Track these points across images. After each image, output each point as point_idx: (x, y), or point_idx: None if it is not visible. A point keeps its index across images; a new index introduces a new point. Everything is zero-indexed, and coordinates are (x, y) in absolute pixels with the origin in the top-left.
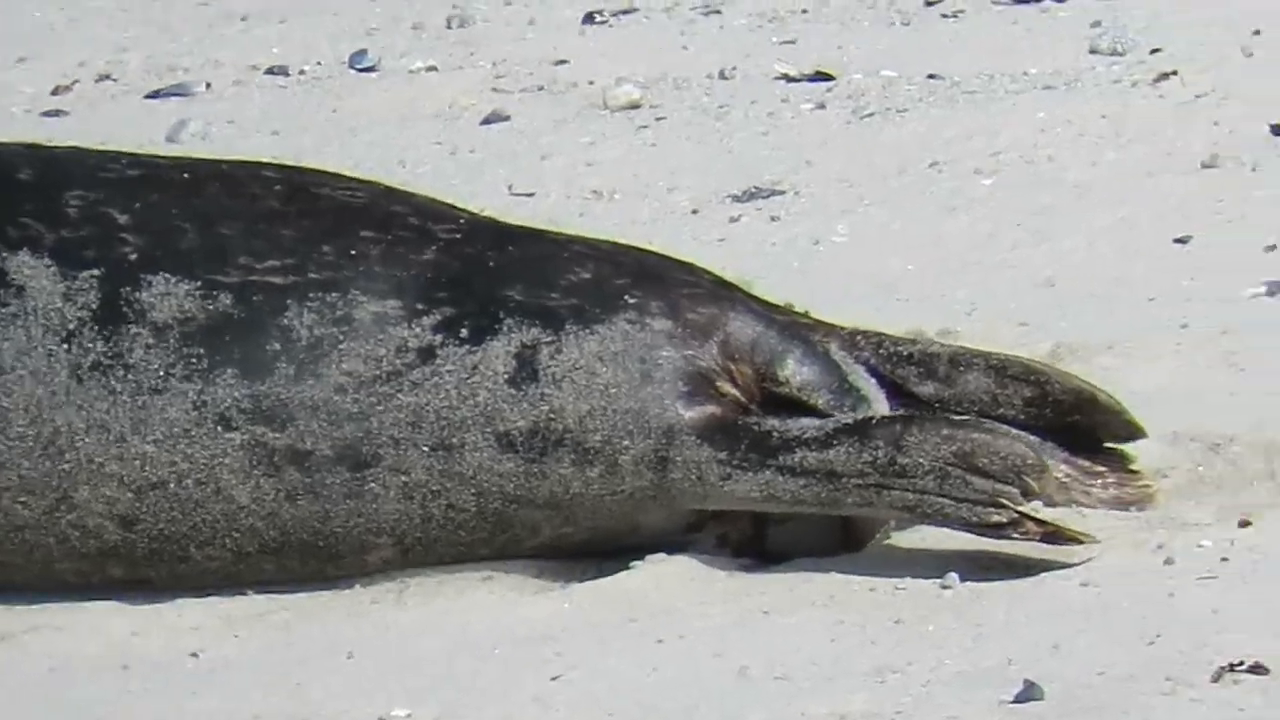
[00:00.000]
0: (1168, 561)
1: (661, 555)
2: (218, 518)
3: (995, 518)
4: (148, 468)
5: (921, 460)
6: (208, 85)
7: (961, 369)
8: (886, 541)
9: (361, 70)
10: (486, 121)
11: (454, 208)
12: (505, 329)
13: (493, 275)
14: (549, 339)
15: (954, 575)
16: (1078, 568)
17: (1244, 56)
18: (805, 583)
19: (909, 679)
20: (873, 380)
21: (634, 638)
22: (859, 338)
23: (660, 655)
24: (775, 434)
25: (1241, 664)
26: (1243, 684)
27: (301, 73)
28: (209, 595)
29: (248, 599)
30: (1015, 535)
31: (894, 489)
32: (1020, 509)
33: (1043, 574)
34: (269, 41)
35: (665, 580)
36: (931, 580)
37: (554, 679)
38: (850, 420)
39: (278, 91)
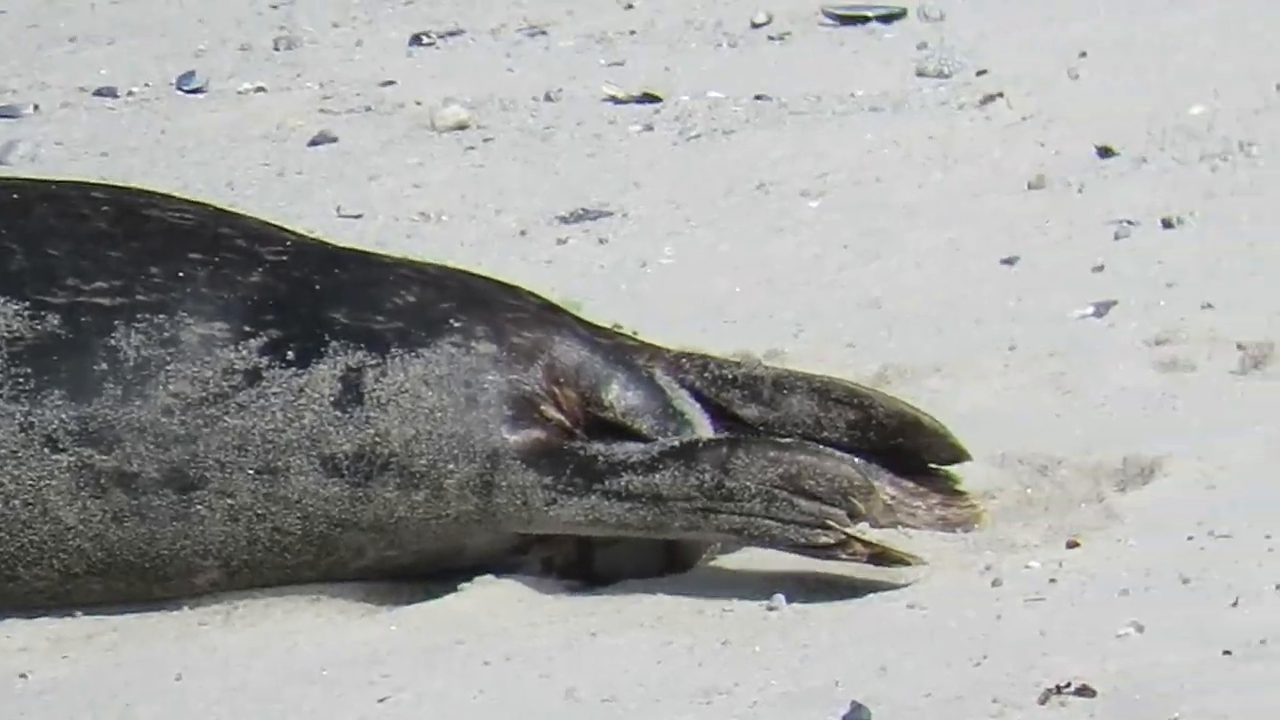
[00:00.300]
0: (995, 583)
1: (489, 577)
2: (45, 539)
3: (823, 539)
4: None
5: (748, 483)
6: (35, 107)
7: (786, 392)
8: (713, 563)
9: (189, 91)
10: (314, 143)
11: (282, 230)
12: (331, 352)
13: (319, 298)
14: (374, 362)
15: (780, 597)
16: (905, 590)
17: (1070, 79)
18: (633, 604)
19: (736, 700)
20: (697, 404)
21: (461, 660)
22: (684, 360)
23: (487, 677)
24: (601, 458)
25: (1069, 685)
26: (1069, 706)
27: (130, 94)
28: (37, 616)
29: (76, 620)
30: (843, 556)
31: (721, 512)
32: (847, 530)
33: (869, 595)
34: (97, 63)
35: (493, 602)
36: (758, 602)
37: (381, 701)
38: (676, 444)
39: (106, 113)
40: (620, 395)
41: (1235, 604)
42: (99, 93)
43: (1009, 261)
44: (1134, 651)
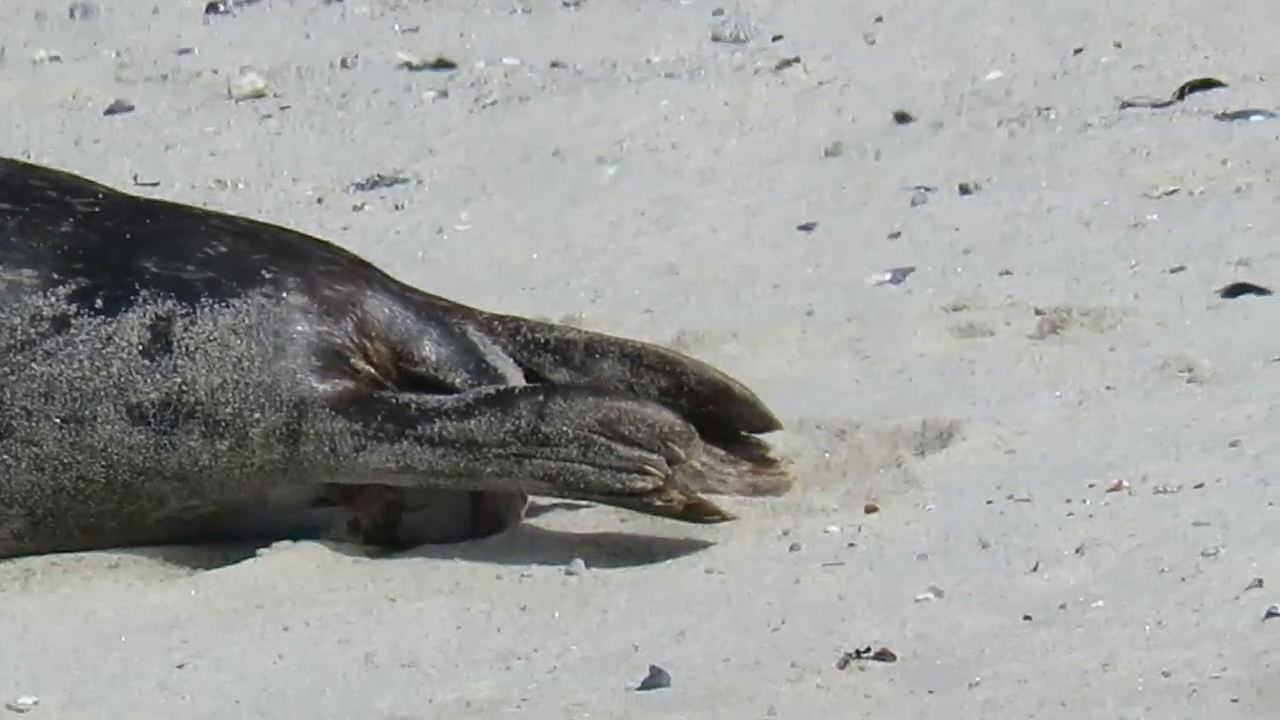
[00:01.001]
0: (793, 548)
1: (288, 542)
2: None
3: (639, 484)
4: None
5: (565, 428)
6: None
7: (597, 357)
8: (512, 528)
9: None
10: (110, 111)
11: (94, 184)
12: (140, 300)
13: (130, 247)
14: (184, 311)
15: (579, 562)
16: (702, 554)
17: (866, 44)
18: (431, 569)
19: (534, 665)
20: (510, 360)
21: (259, 625)
22: (495, 323)
23: (286, 643)
24: (414, 406)
25: (868, 650)
26: (869, 670)
27: None
28: None
29: None
30: (659, 502)
31: (535, 458)
32: (665, 478)
33: (668, 560)
34: None
35: (291, 568)
36: (557, 567)
37: (179, 667)
38: (491, 391)
39: None
40: (433, 349)
41: (1035, 569)
42: None
43: (806, 228)
44: (933, 616)
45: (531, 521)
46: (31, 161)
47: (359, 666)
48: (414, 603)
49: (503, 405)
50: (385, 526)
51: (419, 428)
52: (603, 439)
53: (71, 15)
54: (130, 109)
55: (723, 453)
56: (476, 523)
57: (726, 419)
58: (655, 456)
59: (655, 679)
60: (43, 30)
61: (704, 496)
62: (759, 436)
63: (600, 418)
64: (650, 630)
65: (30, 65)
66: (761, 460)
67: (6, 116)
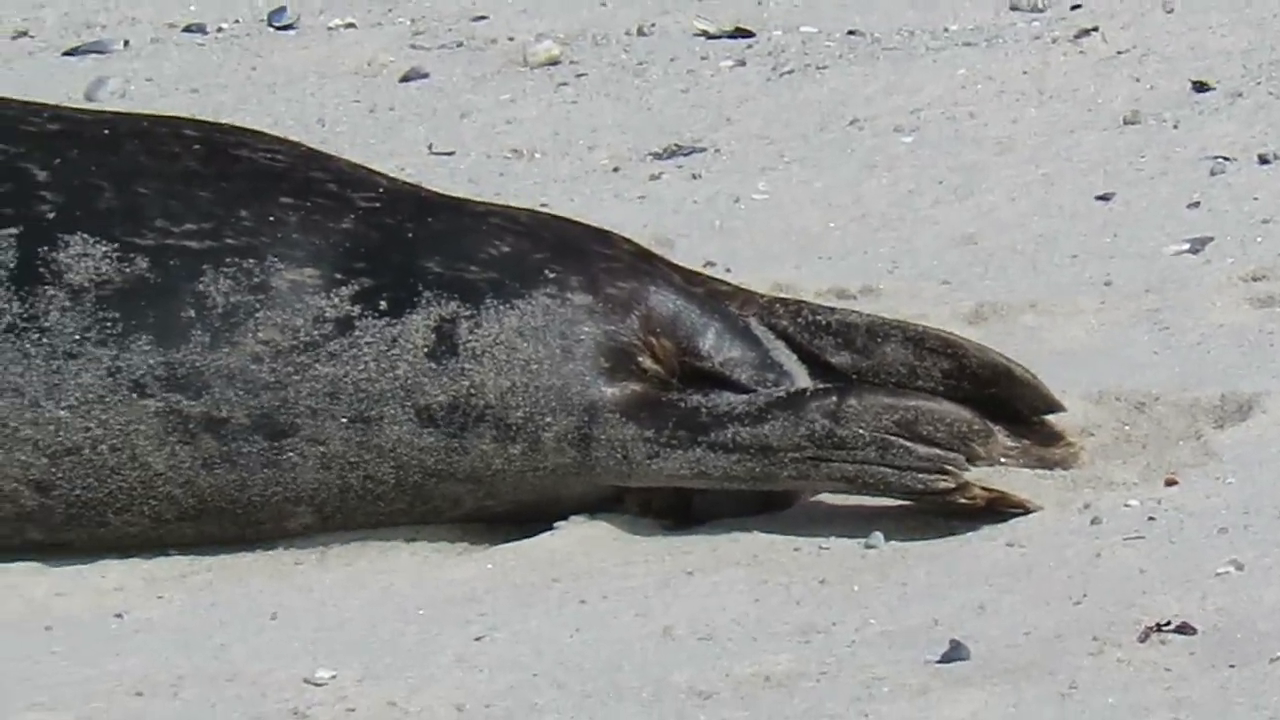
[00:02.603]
0: (1094, 521)
1: (584, 517)
2: (134, 485)
3: (941, 484)
4: (62, 433)
5: (861, 430)
6: (125, 43)
7: (879, 340)
8: (810, 501)
9: (280, 28)
10: (405, 79)
11: (373, 173)
12: (424, 301)
13: (412, 246)
14: (468, 313)
15: (878, 535)
16: (1003, 528)
17: (1164, 13)
18: (729, 543)
19: (834, 639)
20: (794, 356)
21: (557, 599)
22: (777, 305)
23: (583, 616)
24: (704, 410)
25: (1168, 624)
26: (1170, 644)
27: (219, 30)
28: (132, 556)
29: (170, 559)
30: (961, 501)
31: (832, 460)
32: (966, 475)
33: (968, 534)
34: None
35: (589, 541)
36: (856, 540)
37: (477, 639)
38: (782, 393)
39: (196, 49)
40: (717, 345)
41: None
42: (189, 29)
43: (1104, 198)
44: (1234, 589)
45: (829, 495)
46: (324, 133)
47: (656, 640)
48: (711, 576)
49: (795, 409)
50: (677, 505)
51: (712, 434)
52: (900, 440)
53: None
54: (425, 76)
55: (1008, 429)
56: (767, 499)
57: (1009, 401)
58: (955, 455)
59: (955, 652)
60: None
61: (1006, 489)
62: (1045, 419)
63: (897, 418)
64: (950, 604)
65: (325, 33)
66: (1049, 435)
67: (301, 84)
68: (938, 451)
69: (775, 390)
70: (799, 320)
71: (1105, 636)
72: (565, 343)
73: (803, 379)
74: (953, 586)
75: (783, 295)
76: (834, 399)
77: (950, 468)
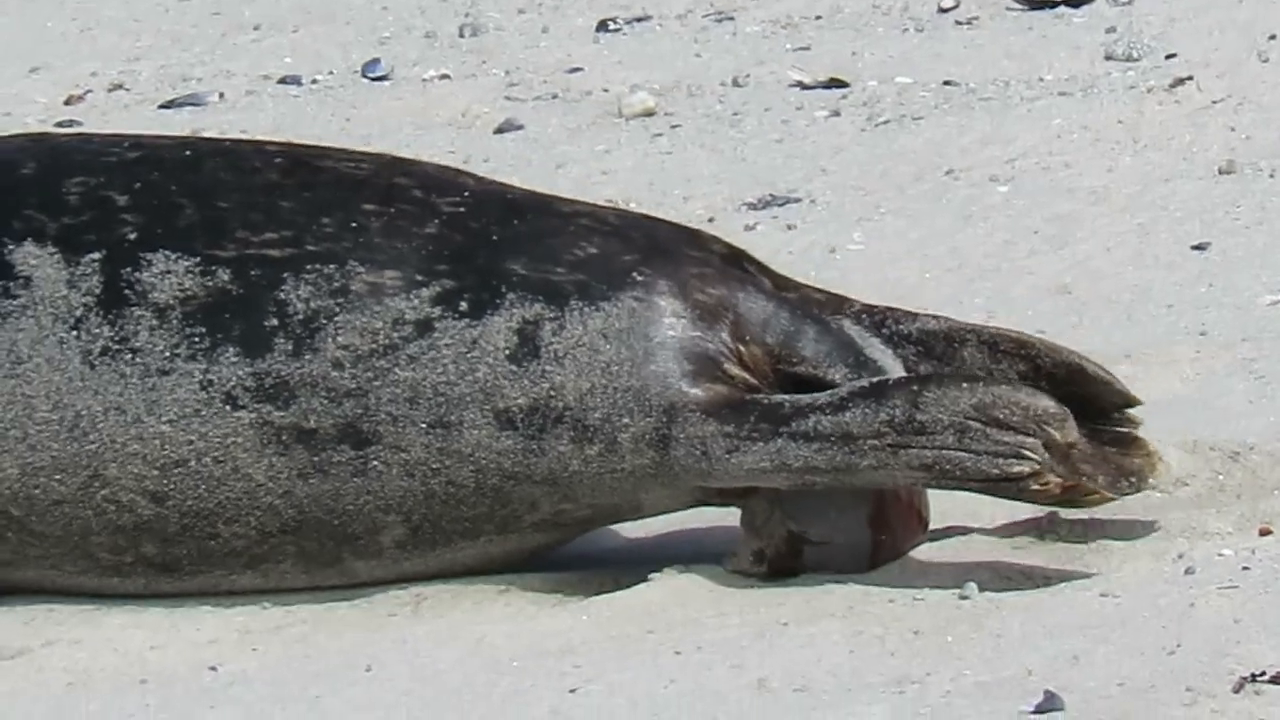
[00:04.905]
0: (1188, 571)
1: (679, 567)
2: (240, 495)
3: (1017, 468)
4: (167, 446)
5: (940, 415)
6: (221, 95)
7: (957, 345)
8: (905, 555)
9: (374, 79)
10: (500, 130)
11: (460, 174)
12: (507, 304)
13: (496, 248)
14: (552, 315)
15: (972, 585)
16: (1097, 578)
17: (1259, 62)
18: (824, 594)
19: (928, 689)
20: (889, 351)
21: (652, 650)
22: (864, 315)
23: (678, 667)
24: (786, 404)
25: (1263, 674)
26: (1265, 694)
27: (314, 82)
28: (226, 608)
29: (265, 611)
30: (1036, 486)
31: (911, 447)
32: (1042, 462)
33: (1061, 584)
34: (281, 51)
35: (683, 592)
36: (950, 591)
37: (572, 691)
38: (863, 384)
39: (290, 101)
40: (811, 347)
41: None
42: (283, 80)
43: (1200, 247)
44: None
45: (923, 548)
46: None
47: (751, 692)
48: (806, 627)
49: (877, 396)
50: (788, 556)
51: (793, 424)
52: (978, 424)
53: (461, 34)
54: (520, 128)
55: (1087, 433)
56: (876, 554)
57: (1086, 400)
58: (1032, 440)
59: (1049, 703)
60: (432, 49)
61: (1081, 479)
62: (1127, 412)
63: (975, 403)
64: (1044, 654)
65: (420, 84)
66: (1127, 441)
67: (397, 135)
68: (1015, 437)
69: (858, 381)
70: (883, 330)
71: (1199, 687)
72: (648, 345)
73: (899, 375)
74: (1047, 637)
75: (871, 303)
76: (914, 385)
77: (1027, 453)
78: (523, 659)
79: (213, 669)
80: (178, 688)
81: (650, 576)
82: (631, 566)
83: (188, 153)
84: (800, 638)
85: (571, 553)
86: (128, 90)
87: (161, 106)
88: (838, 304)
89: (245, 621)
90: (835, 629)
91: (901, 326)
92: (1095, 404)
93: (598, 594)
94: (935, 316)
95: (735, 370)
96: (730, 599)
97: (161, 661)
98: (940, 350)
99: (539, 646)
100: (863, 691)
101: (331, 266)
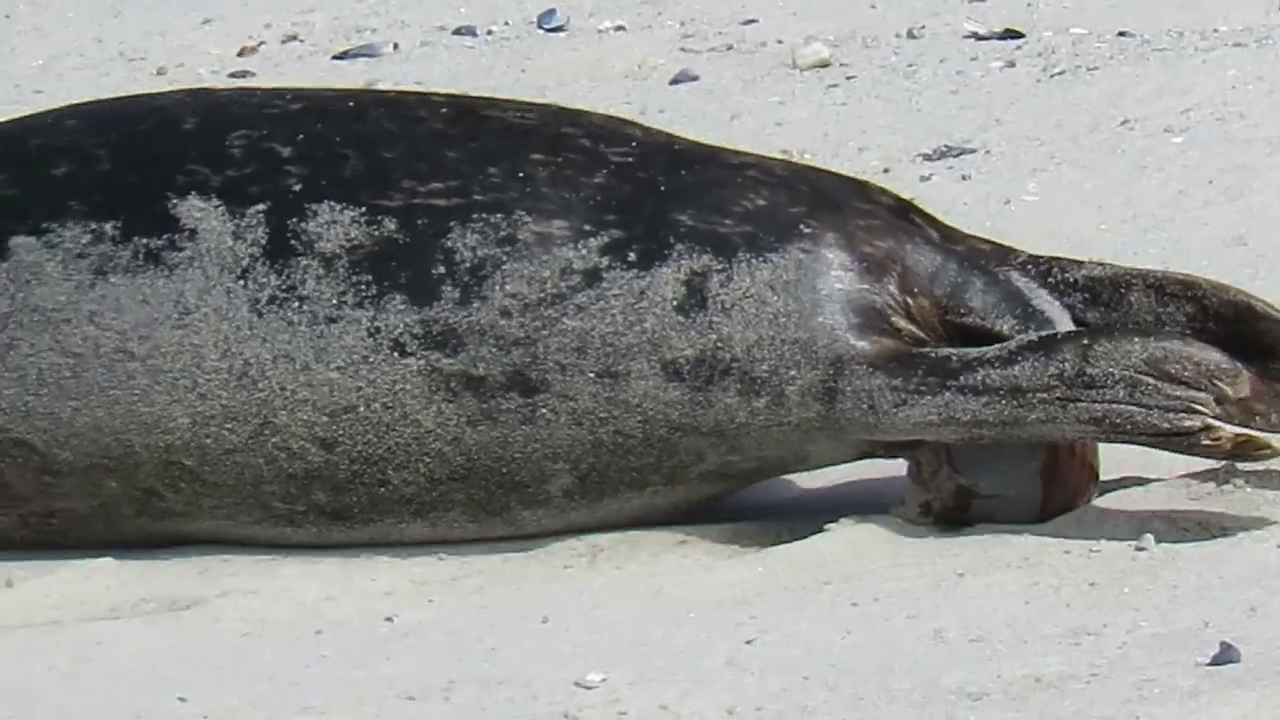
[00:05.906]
0: None
1: (856, 517)
2: (409, 441)
3: (1188, 422)
4: (335, 393)
5: (1111, 369)
6: (395, 46)
7: (1123, 290)
8: (1082, 505)
9: (550, 30)
10: (675, 81)
11: (627, 124)
12: (675, 254)
13: (664, 199)
14: (720, 266)
15: (1149, 537)
16: (1275, 529)
17: None
18: (999, 545)
19: (1104, 641)
20: (1056, 302)
21: (828, 601)
22: (1029, 265)
23: (854, 618)
24: (954, 358)
25: None
26: None
27: (489, 33)
28: (401, 559)
29: (441, 563)
30: (1206, 441)
31: (1081, 400)
32: (1212, 417)
33: (1239, 535)
34: (456, 1)
35: (859, 543)
36: (1126, 542)
37: (748, 642)
38: (1033, 337)
39: (465, 51)
40: (979, 298)
41: None
42: (458, 31)
43: None
44: None
45: (1100, 500)
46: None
47: (927, 642)
48: (982, 578)
49: (1046, 350)
50: (956, 509)
51: (961, 378)
52: (1149, 378)
53: None
54: (695, 79)
55: (1257, 375)
56: (1045, 509)
57: (1256, 338)
58: (1203, 394)
59: (1226, 654)
60: (608, 1)
61: (1254, 432)
62: None
63: (1146, 357)
64: (1221, 606)
65: (595, 35)
66: None
67: (572, 87)
68: (1187, 391)
69: (1027, 335)
70: (1049, 280)
71: None
72: (815, 297)
73: (1067, 326)
74: (1223, 588)
75: (1036, 254)
76: (1085, 339)
77: (1199, 407)
78: (699, 610)
79: (388, 620)
80: (353, 638)
81: (826, 527)
82: (808, 517)
83: (351, 104)
84: (976, 589)
85: (747, 503)
86: (301, 41)
87: (335, 58)
88: (1004, 255)
89: (421, 573)
90: (1011, 580)
91: (1067, 275)
92: (1265, 341)
93: (774, 545)
94: (1100, 264)
95: (902, 323)
96: (906, 550)
97: (336, 612)
98: (1107, 296)
99: (715, 598)
100: (1038, 643)
101: (499, 216)
